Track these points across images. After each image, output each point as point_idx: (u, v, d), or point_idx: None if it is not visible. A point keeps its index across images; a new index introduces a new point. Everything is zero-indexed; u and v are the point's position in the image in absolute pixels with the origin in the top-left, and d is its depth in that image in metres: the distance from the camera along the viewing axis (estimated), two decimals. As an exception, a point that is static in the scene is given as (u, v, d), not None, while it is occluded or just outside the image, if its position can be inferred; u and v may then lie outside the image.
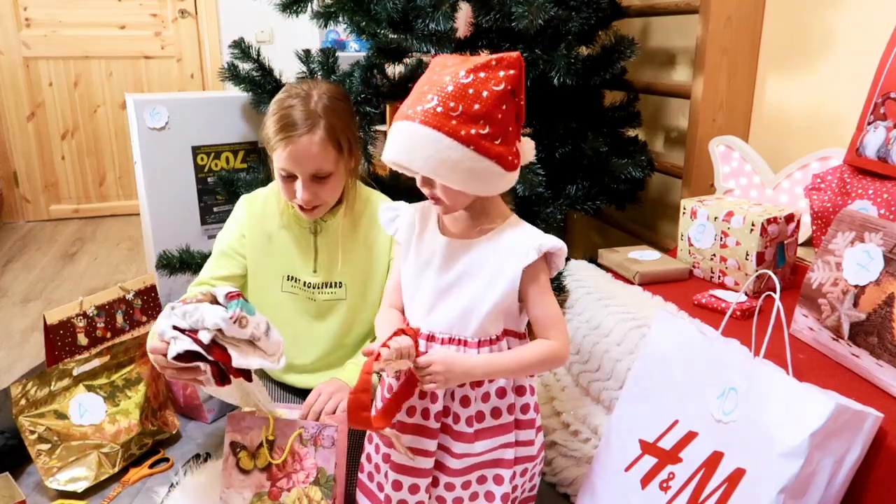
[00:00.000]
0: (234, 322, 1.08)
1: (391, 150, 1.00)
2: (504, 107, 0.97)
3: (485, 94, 0.95)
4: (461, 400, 1.08)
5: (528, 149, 1.08)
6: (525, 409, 1.13)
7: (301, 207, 1.38)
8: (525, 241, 1.05)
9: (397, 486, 1.12)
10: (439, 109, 0.95)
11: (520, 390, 1.13)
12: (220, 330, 1.08)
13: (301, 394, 1.58)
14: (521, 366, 1.07)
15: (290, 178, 1.35)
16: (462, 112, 0.95)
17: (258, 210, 1.47)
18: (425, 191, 1.04)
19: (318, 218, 1.42)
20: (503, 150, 0.98)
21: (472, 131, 0.95)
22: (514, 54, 0.99)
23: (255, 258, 1.47)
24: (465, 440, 1.09)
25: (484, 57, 0.99)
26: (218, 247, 1.47)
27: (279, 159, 1.34)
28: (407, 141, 0.98)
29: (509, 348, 1.09)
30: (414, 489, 1.12)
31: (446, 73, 0.98)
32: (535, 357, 1.07)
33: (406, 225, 1.14)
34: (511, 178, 1.03)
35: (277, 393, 1.58)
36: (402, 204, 1.17)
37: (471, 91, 0.95)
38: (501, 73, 0.97)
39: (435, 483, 1.12)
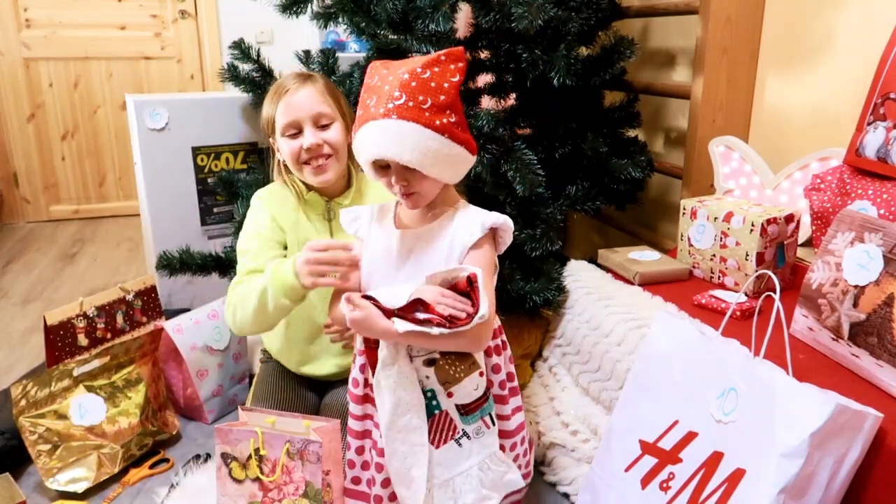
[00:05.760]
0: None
1: (376, 147, 1.01)
2: (459, 97, 1.04)
3: (446, 85, 1.01)
4: None
5: None
6: None
7: (308, 164, 1.40)
8: (471, 220, 1.08)
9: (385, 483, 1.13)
10: (410, 104, 0.99)
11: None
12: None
13: (314, 387, 1.60)
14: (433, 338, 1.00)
15: (295, 135, 1.40)
16: (431, 104, 1.00)
17: (276, 200, 1.50)
18: (399, 187, 1.06)
19: (326, 183, 1.44)
20: (468, 137, 1.05)
21: (444, 120, 1.01)
22: (459, 48, 1.05)
23: (288, 238, 1.48)
24: None
25: (427, 56, 1.04)
26: (252, 238, 1.45)
27: (281, 117, 1.40)
28: (391, 136, 1.00)
29: None
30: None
31: (395, 73, 1.02)
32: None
33: (366, 223, 1.17)
34: (472, 163, 1.09)
35: (291, 389, 1.59)
36: (358, 207, 1.20)
37: (433, 84, 1.00)
38: (452, 67, 1.03)
39: None
